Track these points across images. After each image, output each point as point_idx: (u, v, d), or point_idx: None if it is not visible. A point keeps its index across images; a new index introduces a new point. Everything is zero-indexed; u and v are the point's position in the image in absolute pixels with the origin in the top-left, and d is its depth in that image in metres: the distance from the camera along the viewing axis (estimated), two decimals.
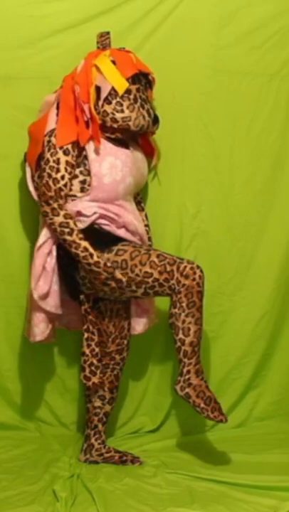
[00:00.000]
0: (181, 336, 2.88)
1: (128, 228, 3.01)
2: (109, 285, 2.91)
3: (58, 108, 2.98)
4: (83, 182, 2.97)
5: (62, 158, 2.92)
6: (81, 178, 2.97)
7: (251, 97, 3.33)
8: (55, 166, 2.92)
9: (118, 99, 2.94)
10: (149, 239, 3.20)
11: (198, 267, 2.89)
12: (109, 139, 2.99)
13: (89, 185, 2.96)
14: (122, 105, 2.94)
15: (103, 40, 3.07)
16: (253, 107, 3.34)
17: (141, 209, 3.22)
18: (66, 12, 3.16)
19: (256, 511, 2.64)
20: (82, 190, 2.97)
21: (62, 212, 2.91)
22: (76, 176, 2.97)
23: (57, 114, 2.97)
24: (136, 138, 3.14)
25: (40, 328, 3.03)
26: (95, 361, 3.01)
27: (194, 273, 2.87)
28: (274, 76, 3.34)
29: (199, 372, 2.90)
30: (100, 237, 2.94)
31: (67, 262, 2.97)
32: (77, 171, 2.97)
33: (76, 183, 2.97)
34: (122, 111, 2.94)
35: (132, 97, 2.96)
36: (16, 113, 3.18)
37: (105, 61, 2.96)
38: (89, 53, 3.02)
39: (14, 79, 3.17)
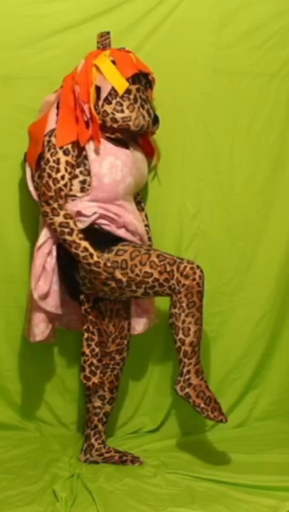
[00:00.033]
0: (181, 335, 2.88)
1: (128, 228, 3.01)
2: (109, 285, 2.92)
3: (58, 108, 2.98)
4: (83, 182, 2.97)
5: (62, 158, 2.92)
6: (81, 178, 2.97)
7: (251, 97, 3.33)
8: (55, 166, 2.92)
9: (118, 99, 2.94)
10: (149, 239, 3.20)
11: (198, 267, 2.89)
12: (109, 139, 2.99)
13: (89, 185, 2.96)
14: (122, 105, 2.94)
15: (103, 40, 3.07)
16: (253, 107, 3.34)
17: (141, 209, 3.22)
18: (66, 12, 3.16)
19: (256, 511, 2.64)
20: (82, 190, 2.97)
21: (62, 212, 2.91)
22: (76, 176, 2.97)
23: (57, 114, 2.97)
24: (136, 138, 3.14)
25: (40, 328, 3.03)
26: (94, 361, 3.01)
27: (194, 273, 2.87)
28: (274, 76, 3.34)
29: (199, 372, 2.90)
30: (100, 237, 2.94)
31: (68, 262, 2.97)
32: (77, 171, 2.97)
33: (76, 183, 2.97)
34: (122, 111, 2.94)
35: (132, 97, 2.96)
36: (16, 113, 3.18)
37: (105, 61, 2.96)
38: (89, 53, 3.02)
39: (14, 79, 3.17)
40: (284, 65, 3.34)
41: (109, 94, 2.93)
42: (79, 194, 2.97)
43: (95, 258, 2.89)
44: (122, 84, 2.93)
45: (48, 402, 3.38)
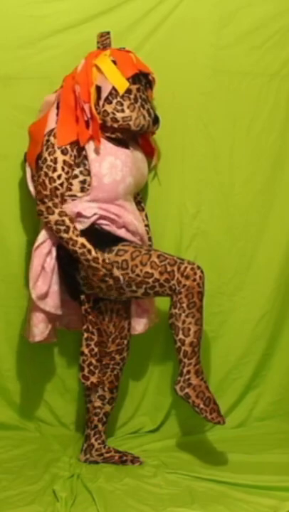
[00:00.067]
0: (181, 336, 2.88)
1: (128, 228, 3.01)
2: (106, 282, 2.91)
3: (58, 108, 2.98)
4: (83, 182, 2.97)
5: (60, 158, 2.92)
6: (81, 178, 2.97)
7: (251, 97, 3.33)
8: (52, 165, 2.92)
9: (118, 98, 2.94)
10: (149, 239, 3.20)
11: (198, 267, 2.89)
12: (109, 139, 2.99)
13: (89, 185, 2.96)
14: (122, 105, 2.94)
15: (103, 40, 3.07)
16: (253, 107, 3.34)
17: (141, 209, 3.22)
18: (66, 12, 3.16)
19: (256, 511, 2.64)
20: (82, 190, 2.97)
21: (57, 211, 2.91)
22: (76, 176, 2.97)
23: (57, 114, 2.97)
24: (136, 138, 3.14)
25: (40, 329, 3.03)
26: (93, 361, 3.01)
27: (195, 273, 2.87)
28: (274, 76, 3.34)
29: (199, 372, 2.90)
30: (100, 237, 2.94)
31: (68, 262, 2.97)
32: (77, 171, 2.97)
33: (76, 183, 2.97)
34: (123, 110, 2.94)
35: (132, 96, 2.96)
36: (16, 113, 3.18)
37: (106, 61, 2.96)
38: (89, 53, 3.02)
39: (14, 79, 3.17)
40: (284, 65, 3.34)
41: (110, 93, 2.93)
42: (79, 194, 2.97)
43: (93, 254, 2.89)
44: (122, 84, 2.93)
45: (47, 402, 3.38)
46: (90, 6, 3.17)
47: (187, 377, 2.89)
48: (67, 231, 2.90)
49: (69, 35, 3.16)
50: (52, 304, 2.99)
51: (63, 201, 2.96)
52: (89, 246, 2.89)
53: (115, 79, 2.93)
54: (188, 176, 3.33)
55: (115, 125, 2.95)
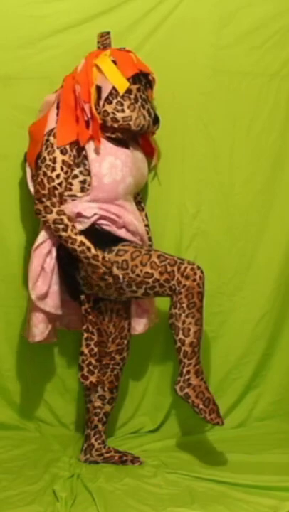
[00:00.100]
0: (181, 336, 2.88)
1: (128, 228, 3.01)
2: (106, 280, 2.91)
3: (58, 108, 2.98)
4: (83, 182, 2.97)
5: (59, 157, 2.92)
6: (81, 178, 2.97)
7: (251, 97, 3.33)
8: (51, 164, 2.92)
9: (119, 98, 2.94)
10: (149, 239, 3.20)
11: (198, 267, 2.89)
12: (109, 139, 2.99)
13: (89, 185, 2.96)
14: (122, 105, 2.94)
15: (104, 40, 3.07)
16: (253, 107, 3.34)
17: (141, 209, 3.22)
18: (66, 12, 3.16)
19: (256, 511, 2.64)
20: (82, 190, 2.97)
21: (55, 210, 2.91)
22: (76, 176, 2.97)
23: (57, 114, 2.97)
24: (136, 138, 3.14)
25: (40, 329, 3.03)
26: (93, 361, 3.01)
27: (195, 274, 2.87)
28: (274, 76, 3.34)
29: (199, 372, 2.90)
30: (100, 237, 2.94)
31: (68, 262, 2.97)
32: (77, 171, 2.97)
33: (76, 182, 2.97)
34: (123, 110, 2.94)
35: (132, 96, 2.96)
36: (16, 113, 3.18)
37: (106, 61, 2.96)
38: (90, 53, 3.02)
39: (14, 79, 3.17)
40: (284, 65, 3.34)
41: (110, 93, 2.93)
42: (79, 194, 2.97)
43: (93, 251, 2.89)
44: (122, 84, 2.93)
45: (47, 402, 3.38)
46: (90, 6, 3.17)
47: (187, 377, 2.89)
48: (65, 229, 2.90)
49: (69, 35, 3.16)
50: (52, 304, 2.99)
51: (63, 201, 2.96)
52: (88, 244, 2.89)
53: (115, 79, 2.93)
54: (188, 176, 3.33)
55: (115, 125, 2.95)
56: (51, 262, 2.98)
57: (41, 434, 3.34)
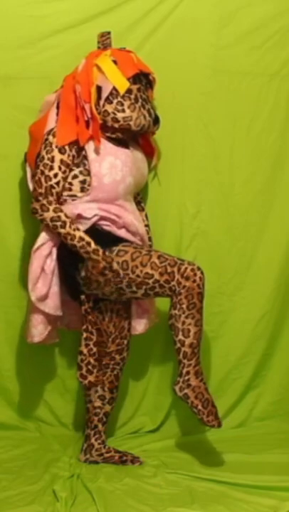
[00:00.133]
0: (180, 337, 2.87)
1: (128, 229, 3.01)
2: (106, 275, 2.90)
3: (58, 108, 2.98)
4: (83, 182, 2.97)
5: (57, 157, 2.92)
6: (81, 178, 2.97)
7: (251, 97, 3.33)
8: (49, 163, 2.92)
9: (119, 98, 2.94)
10: (149, 239, 3.20)
11: (198, 268, 2.89)
12: (109, 139, 2.99)
13: (89, 185, 2.96)
14: (123, 105, 2.94)
15: (104, 40, 3.07)
16: (253, 107, 3.34)
17: (141, 209, 3.22)
18: (66, 12, 3.16)
19: (256, 511, 2.64)
20: (82, 190, 2.97)
21: (51, 207, 2.90)
22: (76, 176, 2.97)
23: (57, 114, 2.97)
24: (136, 138, 3.14)
25: (39, 330, 3.03)
26: (92, 360, 3.01)
27: (195, 274, 2.87)
28: (274, 76, 3.34)
29: (199, 373, 2.90)
30: (100, 237, 2.94)
31: (68, 263, 2.97)
32: (77, 171, 2.97)
33: (76, 183, 2.97)
34: (123, 110, 2.94)
35: (132, 96, 2.96)
36: (16, 113, 3.18)
37: (106, 61, 2.96)
38: (90, 53, 3.02)
39: (14, 79, 3.17)
40: (284, 65, 3.34)
41: (111, 93, 2.93)
42: (79, 194, 2.97)
43: (93, 246, 2.89)
44: (123, 84, 2.93)
45: (47, 402, 3.38)
46: (90, 6, 3.17)
47: (186, 378, 2.88)
48: (63, 226, 2.90)
49: (69, 35, 3.16)
50: (52, 305, 2.99)
51: (63, 201, 2.96)
52: (88, 238, 2.89)
53: (116, 79, 2.93)
54: (188, 176, 3.33)
55: (116, 125, 2.95)
56: (51, 263, 2.97)
57: (41, 434, 3.34)
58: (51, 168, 2.92)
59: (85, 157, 2.96)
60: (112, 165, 2.95)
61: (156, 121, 3.09)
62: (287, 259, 3.45)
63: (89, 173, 2.95)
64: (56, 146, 2.91)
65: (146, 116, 3.00)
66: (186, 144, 3.31)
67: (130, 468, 3.02)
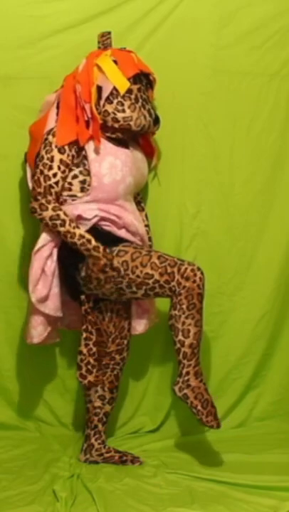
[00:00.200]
0: (180, 337, 2.87)
1: (129, 229, 3.01)
2: (106, 273, 2.90)
3: (58, 108, 2.98)
4: (83, 182, 2.97)
5: (57, 157, 2.92)
6: (81, 178, 2.97)
7: (251, 97, 3.33)
8: (49, 163, 2.92)
9: (119, 98, 2.94)
10: (149, 239, 3.20)
11: (198, 268, 2.89)
12: (109, 139, 2.99)
13: (89, 185, 2.96)
14: (123, 105, 2.94)
15: (104, 40, 3.07)
16: (253, 107, 3.34)
17: (141, 209, 3.22)
18: (66, 12, 3.17)
19: (256, 511, 2.64)
20: (82, 190, 2.97)
21: (50, 206, 2.90)
22: (76, 176, 2.97)
23: (57, 114, 2.97)
24: (136, 138, 3.14)
25: (38, 331, 3.03)
26: (91, 360, 3.00)
27: (195, 275, 2.87)
28: (274, 76, 3.34)
29: (198, 373, 2.90)
30: (100, 237, 2.94)
31: (68, 263, 2.96)
32: (76, 171, 2.97)
33: (76, 183, 2.97)
34: (124, 110, 2.94)
35: (133, 96, 2.96)
36: (16, 113, 3.18)
37: (107, 61, 2.96)
38: (90, 53, 3.02)
39: (14, 79, 3.17)
40: (284, 65, 3.35)
41: (111, 93, 2.93)
42: (79, 194, 2.97)
43: (94, 243, 2.89)
44: (123, 84, 2.93)
45: (47, 402, 3.38)
46: (90, 6, 3.17)
47: (186, 378, 2.88)
48: (63, 224, 2.89)
49: (69, 35, 3.16)
50: (52, 306, 2.99)
51: (63, 202, 2.96)
52: (88, 236, 2.89)
53: (116, 79, 2.93)
54: (188, 176, 3.33)
55: (116, 125, 2.95)
56: (52, 265, 2.97)
57: (41, 434, 3.34)
58: (50, 168, 2.92)
59: (85, 157, 2.96)
60: (112, 165, 2.95)
61: (156, 121, 3.09)
62: (287, 259, 3.45)
63: (89, 173, 2.95)
64: (56, 146, 2.91)
65: (147, 116, 3.00)
66: (186, 144, 3.31)
67: (130, 468, 3.02)
